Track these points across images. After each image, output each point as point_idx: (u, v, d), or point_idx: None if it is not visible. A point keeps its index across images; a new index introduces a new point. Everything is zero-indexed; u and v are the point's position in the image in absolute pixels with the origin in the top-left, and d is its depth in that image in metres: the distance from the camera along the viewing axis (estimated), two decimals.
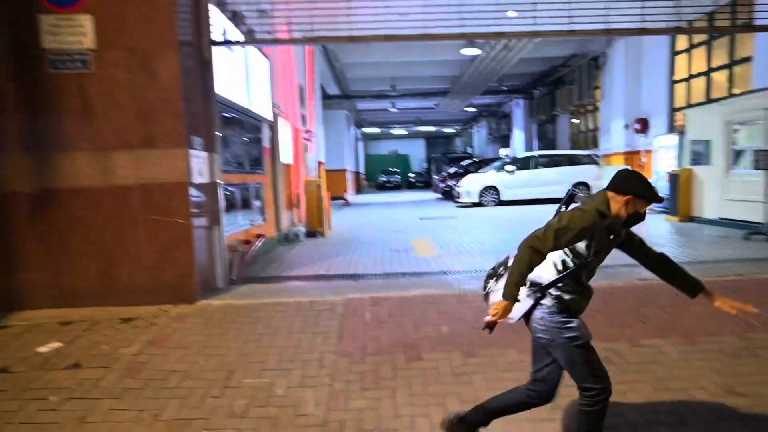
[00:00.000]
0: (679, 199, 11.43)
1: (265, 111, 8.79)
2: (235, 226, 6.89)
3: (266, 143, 9.10)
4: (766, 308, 4.57)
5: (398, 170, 42.04)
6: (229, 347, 4.05)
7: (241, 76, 7.43)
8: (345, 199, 22.80)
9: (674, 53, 15.49)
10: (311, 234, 10.65)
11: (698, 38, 14.49)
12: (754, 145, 9.46)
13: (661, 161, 13.55)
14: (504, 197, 16.73)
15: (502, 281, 2.20)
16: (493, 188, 16.80)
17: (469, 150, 40.26)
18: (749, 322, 4.21)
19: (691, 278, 2.46)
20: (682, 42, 15.18)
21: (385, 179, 39.69)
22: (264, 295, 5.33)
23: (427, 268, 6.71)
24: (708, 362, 3.64)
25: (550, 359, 2.30)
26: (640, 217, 2.22)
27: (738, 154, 10.18)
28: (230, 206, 6.66)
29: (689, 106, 14.38)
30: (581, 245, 2.17)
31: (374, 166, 44.90)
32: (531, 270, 2.13)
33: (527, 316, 2.27)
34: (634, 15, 5.99)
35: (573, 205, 2.31)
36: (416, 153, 50.63)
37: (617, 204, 2.16)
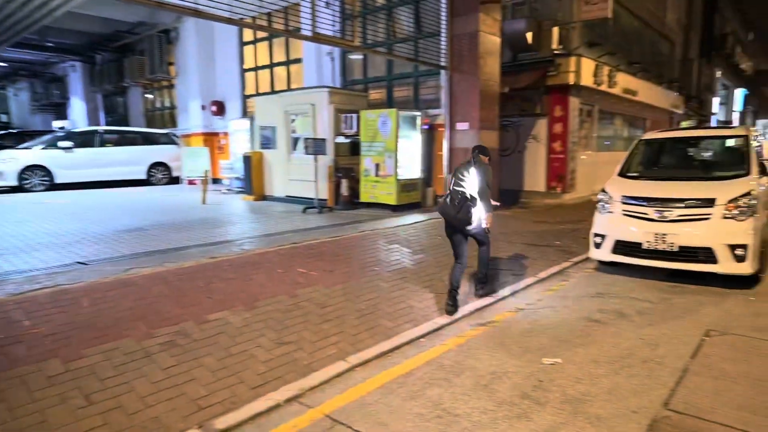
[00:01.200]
0: (252, 179, 12.70)
1: None
2: None
3: None
4: (311, 267, 5.62)
5: None
6: None
7: None
8: None
9: (243, 43, 17.02)
10: None
11: (261, 33, 16.39)
12: (305, 133, 11.55)
13: (237, 144, 14.73)
14: (59, 179, 13.95)
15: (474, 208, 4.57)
16: (42, 168, 13.74)
17: (2, 118, 31.39)
18: (297, 281, 4.96)
19: None
20: (248, 34, 16.82)
21: None
22: None
23: None
24: (266, 322, 4.02)
25: (466, 242, 4.79)
26: None
27: (296, 141, 12.18)
28: None
29: (258, 94, 16.20)
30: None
31: None
32: None
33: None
34: None
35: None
36: None
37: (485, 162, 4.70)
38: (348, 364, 3.54)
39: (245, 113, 16.46)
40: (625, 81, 13.94)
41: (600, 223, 5.72)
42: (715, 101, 25.81)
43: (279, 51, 16.23)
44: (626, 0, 13.99)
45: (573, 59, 11.47)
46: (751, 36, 32.72)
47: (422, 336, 4.11)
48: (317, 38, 7.89)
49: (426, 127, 11.25)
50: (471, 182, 4.53)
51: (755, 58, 35.00)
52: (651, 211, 5.27)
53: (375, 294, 4.88)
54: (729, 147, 6.62)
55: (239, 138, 14.61)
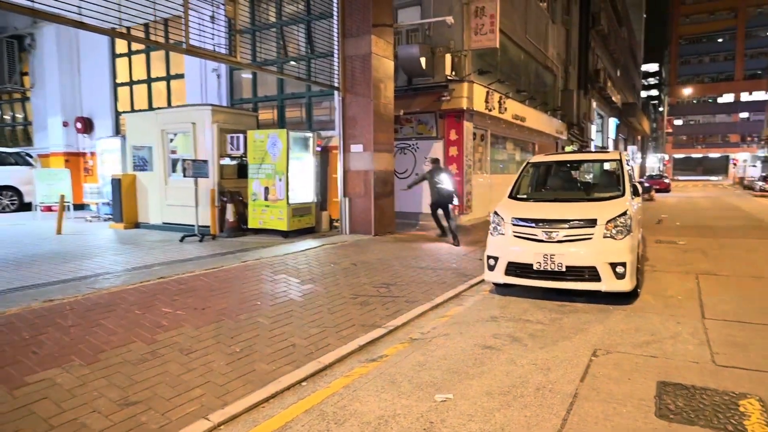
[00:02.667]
0: (123, 205, 11.47)
1: None
2: None
3: None
4: (180, 305, 4.99)
5: None
6: None
7: None
8: None
9: (115, 55, 15.68)
10: None
11: (137, 45, 15.24)
12: (186, 154, 10.71)
13: (107, 165, 13.30)
14: None
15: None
16: None
17: None
18: (160, 323, 4.33)
19: None
20: (122, 45, 15.55)
21: None
22: None
23: None
24: (110, 379, 3.38)
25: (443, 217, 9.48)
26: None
27: (175, 162, 11.25)
28: None
29: (134, 111, 14.91)
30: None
31: None
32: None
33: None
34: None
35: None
36: None
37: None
38: (210, 423, 3.04)
39: (118, 131, 15.06)
40: (514, 107, 14.95)
41: (493, 245, 5.80)
42: (593, 128, 28.87)
43: (158, 65, 15.18)
44: (512, 33, 15.13)
45: (465, 85, 12.02)
46: (618, 72, 37.43)
47: (304, 379, 3.72)
48: (191, 51, 7.34)
49: (319, 148, 11.01)
50: (446, 180, 9.37)
51: (623, 92, 40.08)
52: (539, 232, 5.45)
53: (253, 333, 4.41)
54: (606, 170, 7.18)
55: (109, 159, 13.25)
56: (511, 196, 6.37)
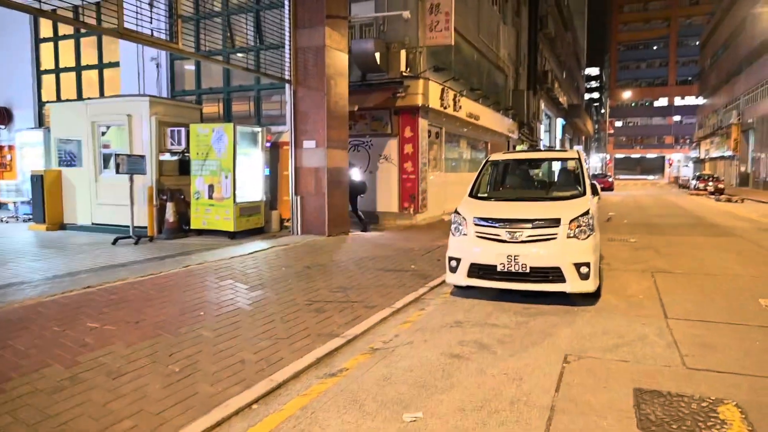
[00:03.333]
0: (45, 204, 10.47)
1: None
2: None
3: None
4: (110, 319, 4.43)
5: None
6: None
7: None
8: None
9: (39, 39, 14.43)
10: None
11: (65, 30, 14.05)
12: (120, 149, 9.88)
13: (26, 160, 12.17)
14: None
15: None
16: None
17: None
18: (84, 341, 3.79)
19: None
20: (47, 28, 14.31)
21: None
22: None
23: None
24: (14, 414, 2.85)
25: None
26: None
27: (108, 157, 10.38)
28: None
29: (59, 101, 13.74)
30: None
31: None
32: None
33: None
34: None
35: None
36: None
37: None
38: None
39: (41, 123, 13.84)
40: (468, 106, 14.95)
41: (454, 246, 5.57)
42: (542, 128, 29.66)
43: (90, 52, 14.08)
44: (466, 32, 15.13)
45: (421, 82, 11.83)
46: (564, 75, 38.75)
47: (255, 401, 3.31)
48: (126, 35, 6.67)
49: (269, 144, 10.49)
50: (356, 173, 10.33)
51: (568, 94, 41.56)
52: (503, 232, 5.26)
53: (195, 348, 3.94)
54: (565, 168, 7.13)
55: (30, 153, 12.13)
56: (471, 195, 6.17)
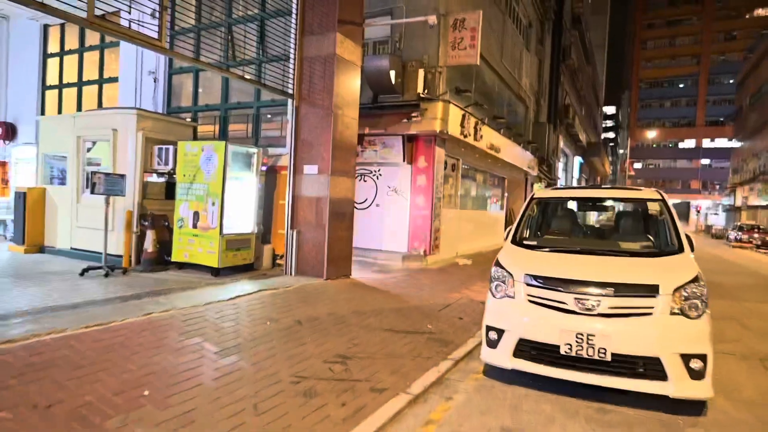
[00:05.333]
0: (26, 224, 9.46)
1: None
2: None
3: None
4: (10, 400, 3.13)
5: None
6: None
7: None
8: None
9: (47, 54, 14.02)
10: None
11: (70, 44, 13.67)
12: (104, 167, 8.81)
13: (21, 176, 11.37)
14: None
15: None
16: None
17: None
18: None
19: None
20: (55, 43, 13.90)
21: None
22: None
23: None
24: None
25: None
26: None
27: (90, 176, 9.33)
28: None
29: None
30: None
31: None
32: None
33: None
34: None
35: None
36: None
37: None
38: None
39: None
40: (489, 136, 13.83)
41: (496, 311, 4.15)
42: (560, 166, 28.49)
43: (91, 68, 13.40)
44: (488, 55, 14.15)
45: (440, 105, 10.74)
46: (583, 111, 37.83)
47: None
48: (95, 24, 5.58)
49: (265, 168, 9.37)
50: None
51: (586, 131, 40.56)
52: (570, 299, 3.84)
53: None
54: (645, 212, 5.58)
55: (25, 169, 11.39)
56: (515, 242, 4.80)
